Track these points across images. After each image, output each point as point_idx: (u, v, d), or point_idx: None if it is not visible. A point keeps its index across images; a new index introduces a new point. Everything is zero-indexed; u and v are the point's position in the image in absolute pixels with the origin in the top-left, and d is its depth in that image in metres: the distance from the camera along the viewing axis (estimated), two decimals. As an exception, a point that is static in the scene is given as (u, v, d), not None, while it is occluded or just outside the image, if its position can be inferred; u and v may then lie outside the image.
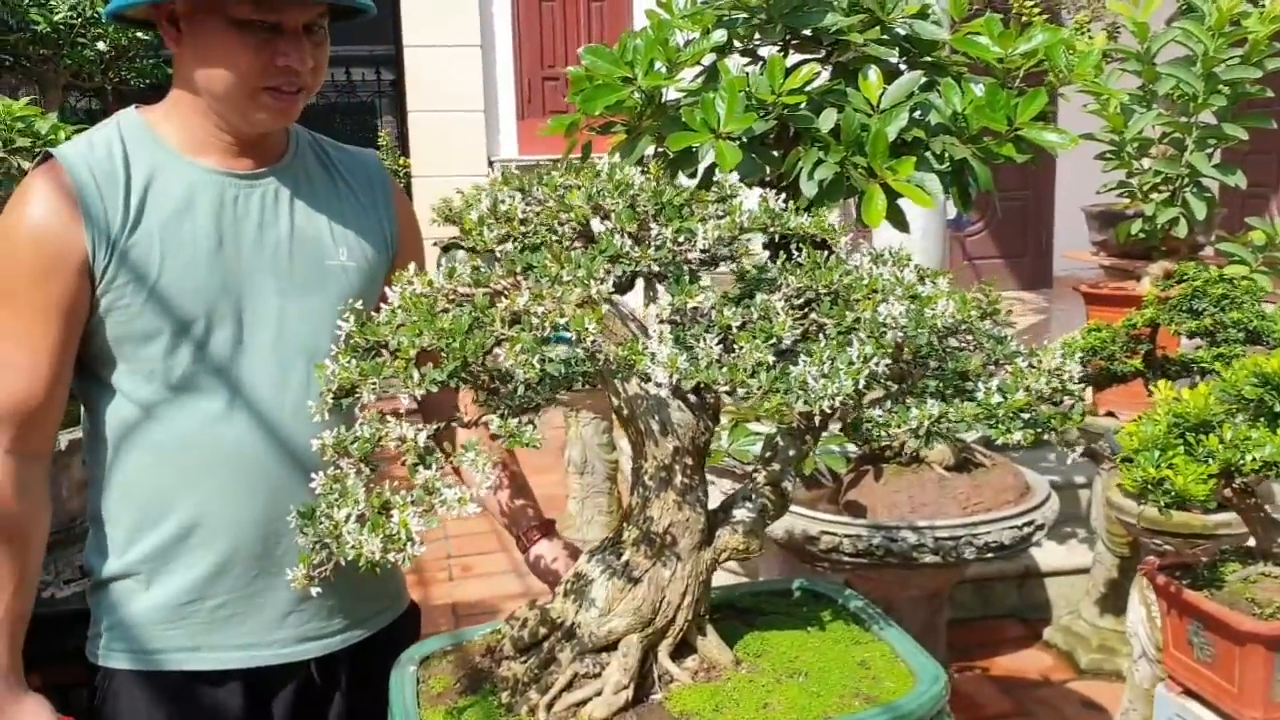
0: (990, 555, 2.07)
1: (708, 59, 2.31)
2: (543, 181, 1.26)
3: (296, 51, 1.38)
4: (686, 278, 1.20)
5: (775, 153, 2.25)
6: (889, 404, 1.23)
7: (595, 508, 4.37)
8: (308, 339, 1.46)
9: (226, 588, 1.48)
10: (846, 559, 2.11)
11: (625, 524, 1.32)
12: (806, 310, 1.26)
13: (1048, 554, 3.65)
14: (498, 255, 1.21)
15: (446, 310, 1.18)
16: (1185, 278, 2.27)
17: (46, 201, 1.36)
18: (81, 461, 1.58)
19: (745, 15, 2.31)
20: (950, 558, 2.05)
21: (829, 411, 1.16)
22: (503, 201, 1.24)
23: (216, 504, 1.46)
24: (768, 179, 2.28)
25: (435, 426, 1.15)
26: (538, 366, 1.08)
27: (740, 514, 1.32)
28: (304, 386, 1.46)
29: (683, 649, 1.31)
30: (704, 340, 1.14)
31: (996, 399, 1.23)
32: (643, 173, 1.26)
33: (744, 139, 2.10)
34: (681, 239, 1.21)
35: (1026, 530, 2.09)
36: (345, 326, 1.17)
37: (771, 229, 1.31)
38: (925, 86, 2.22)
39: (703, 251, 1.25)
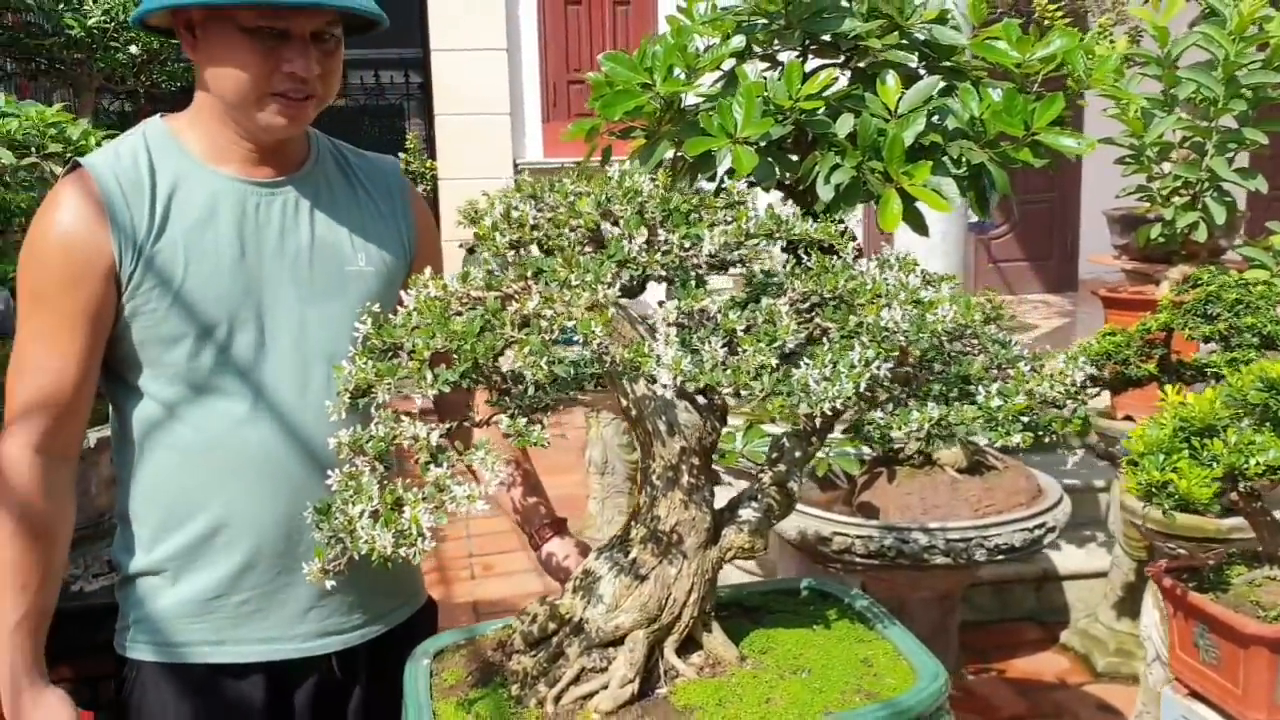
0: (1001, 557, 2.09)
1: (727, 64, 2.34)
2: (554, 188, 1.29)
3: (303, 58, 1.41)
4: (693, 282, 1.23)
5: (793, 157, 2.27)
6: (891, 406, 1.25)
7: (615, 508, 4.41)
8: (328, 343, 1.50)
9: (250, 584, 1.52)
10: (859, 560, 2.13)
11: (633, 522, 1.35)
12: (811, 314, 1.29)
13: (1066, 557, 3.65)
14: (509, 260, 1.25)
15: (459, 313, 1.21)
16: (1200, 282, 2.28)
17: (75, 209, 1.40)
18: (110, 459, 1.63)
19: (764, 21, 2.34)
20: (961, 559, 2.07)
21: (830, 413, 1.18)
22: (515, 208, 1.27)
23: (241, 504, 1.50)
24: (787, 182, 2.31)
25: (448, 426, 1.18)
26: (545, 368, 1.11)
27: (746, 513, 1.35)
28: (324, 389, 1.49)
29: (689, 645, 1.34)
30: (709, 343, 1.17)
31: (996, 402, 1.25)
32: (651, 180, 1.29)
33: (761, 144, 2.13)
34: (688, 244, 1.24)
35: (1038, 532, 2.10)
36: (363, 328, 1.21)
37: (777, 235, 1.34)
38: (944, 91, 2.24)
39: (711, 256, 1.29)
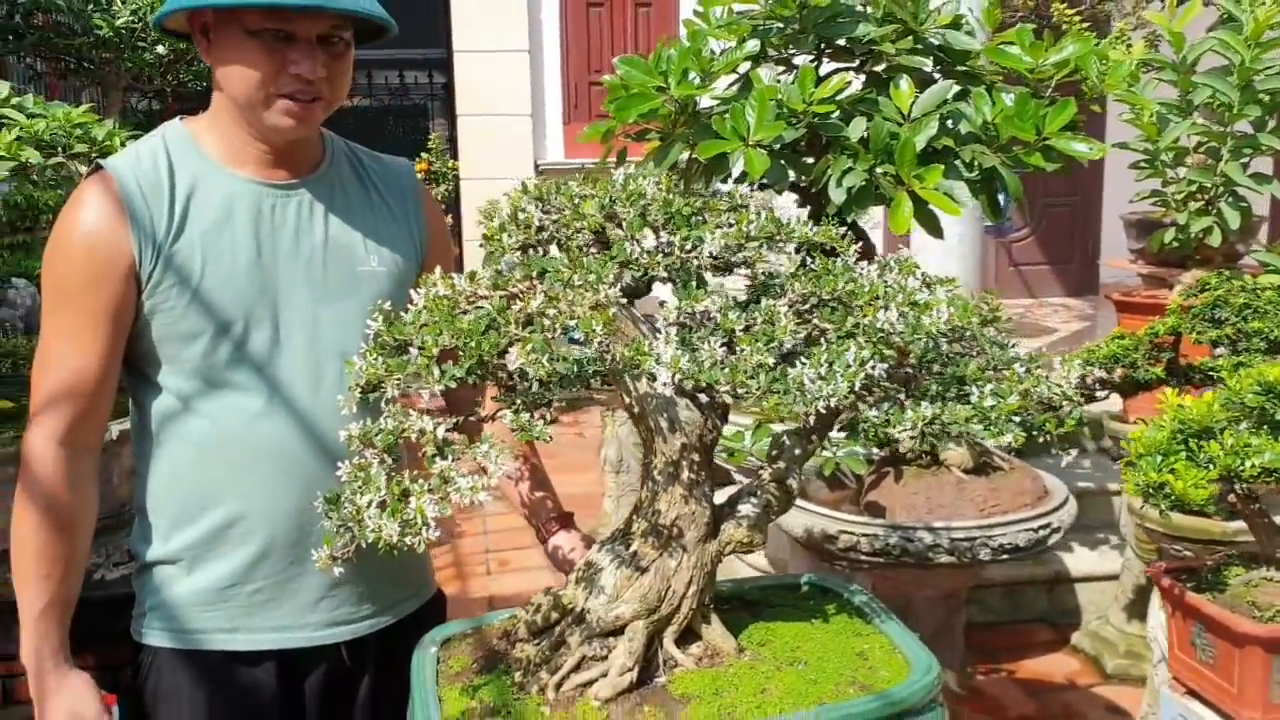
0: (1005, 557, 2.11)
1: (743, 67, 2.37)
2: (560, 191, 1.33)
3: (308, 60, 1.45)
4: (694, 283, 1.27)
5: (808, 160, 2.30)
6: (887, 406, 1.28)
7: (631, 506, 4.44)
8: (341, 341, 1.54)
9: (264, 574, 1.56)
10: (864, 558, 2.16)
11: (634, 516, 1.39)
12: (811, 316, 1.32)
13: (1079, 559, 3.67)
14: (515, 260, 1.28)
15: (466, 311, 1.25)
16: (1208, 287, 2.29)
17: (97, 210, 1.45)
18: (131, 451, 1.68)
19: (779, 25, 2.37)
20: (965, 558, 2.10)
21: (824, 412, 1.22)
22: (522, 210, 1.31)
23: (256, 497, 1.54)
24: (802, 184, 2.34)
25: (454, 421, 1.22)
26: (547, 365, 1.15)
27: (745, 509, 1.39)
28: (337, 385, 1.54)
29: (688, 636, 1.37)
30: (708, 343, 1.20)
31: (990, 402, 1.28)
32: (655, 183, 1.33)
33: (774, 146, 2.16)
34: (690, 246, 1.27)
35: (1042, 533, 2.12)
36: (374, 326, 1.25)
37: (778, 238, 1.37)
38: (959, 96, 2.27)
39: (713, 258, 1.32)
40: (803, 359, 1.21)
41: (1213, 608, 1.63)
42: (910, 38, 2.32)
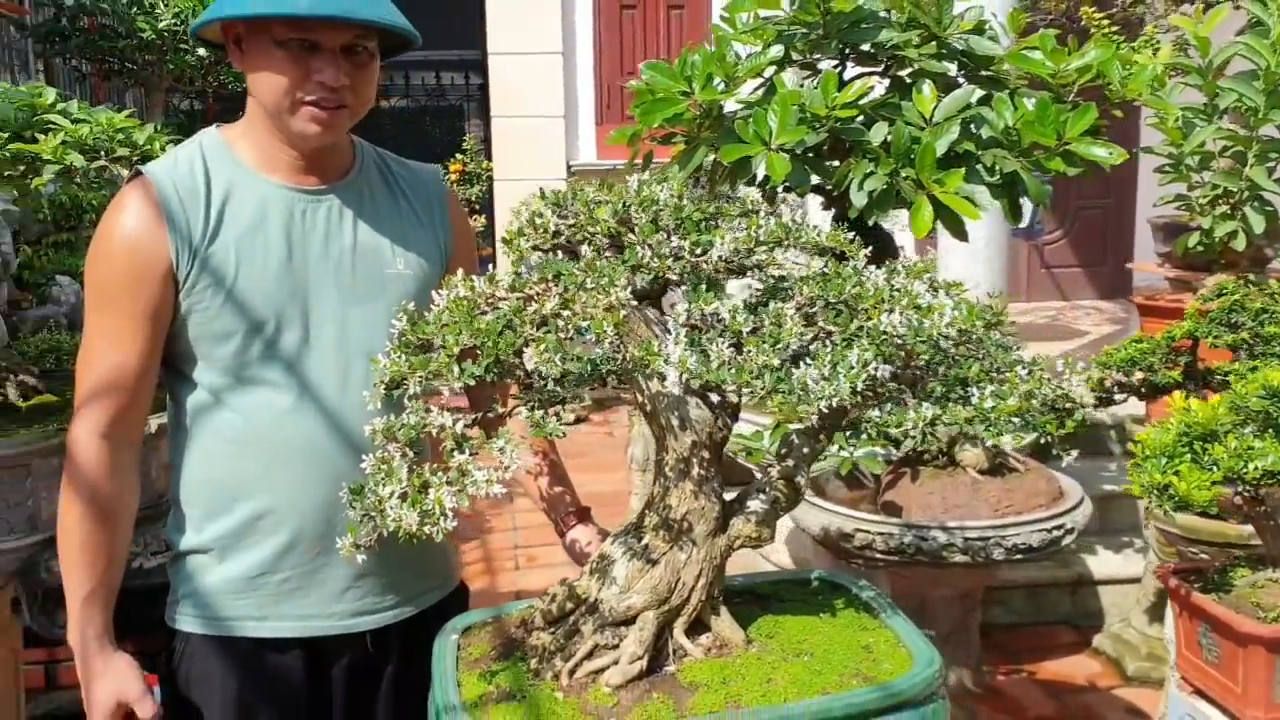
0: (1019, 557, 2.14)
1: (769, 71, 2.41)
2: (576, 196, 1.39)
3: (331, 68, 1.51)
4: (704, 285, 1.32)
5: (832, 163, 2.34)
6: (889, 406, 1.33)
7: (656, 504, 4.48)
8: (368, 341, 1.60)
9: (291, 564, 1.63)
10: (879, 556, 2.20)
11: (647, 511, 1.44)
12: (818, 318, 1.37)
13: (1102, 562, 3.68)
14: (532, 263, 1.34)
15: (485, 313, 1.31)
16: (1225, 291, 2.31)
17: (137, 215, 1.53)
18: (169, 446, 1.75)
19: (803, 30, 2.40)
20: (979, 558, 2.13)
21: (827, 411, 1.26)
22: (540, 215, 1.37)
23: (285, 491, 1.60)
24: (827, 188, 2.37)
25: (473, 417, 1.28)
26: (560, 364, 1.20)
27: (754, 504, 1.43)
28: (364, 383, 1.59)
29: (698, 627, 1.42)
30: (716, 344, 1.25)
31: (990, 403, 1.32)
32: (667, 189, 1.38)
33: (797, 151, 2.19)
34: (700, 250, 1.32)
35: (1056, 533, 2.15)
36: (398, 325, 1.31)
37: (786, 242, 1.42)
38: (982, 100, 2.30)
39: (726, 262, 1.37)
40: (808, 360, 1.26)
41: (1217, 608, 1.66)
42: (933, 43, 2.34)
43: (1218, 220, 3.20)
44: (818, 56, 2.45)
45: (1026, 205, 2.31)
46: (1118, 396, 2.51)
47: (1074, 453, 1.55)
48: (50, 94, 2.01)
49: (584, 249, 1.38)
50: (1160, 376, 2.39)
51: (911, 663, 1.39)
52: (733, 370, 1.23)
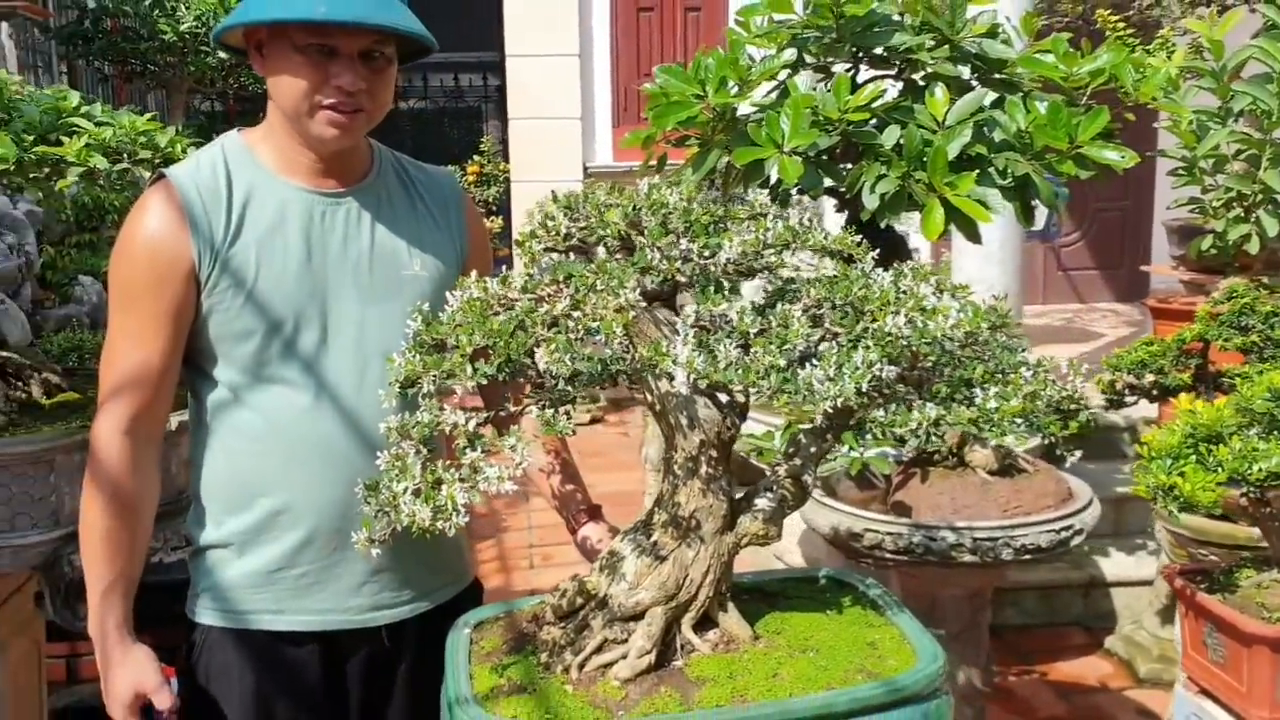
0: (1027, 557, 2.16)
1: (782, 75, 2.43)
2: (587, 199, 1.41)
3: (349, 73, 1.55)
4: (712, 288, 1.34)
5: (845, 166, 2.36)
6: (894, 406, 1.35)
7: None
8: (384, 340, 1.62)
9: (309, 560, 1.66)
10: (888, 555, 2.22)
11: (656, 508, 1.47)
12: (824, 319, 1.39)
13: (1115, 564, 3.69)
14: (543, 265, 1.37)
15: (498, 313, 1.34)
16: (1235, 294, 2.32)
17: (160, 217, 1.56)
18: (189, 441, 1.78)
19: (817, 34, 2.42)
20: (988, 558, 2.15)
21: (833, 411, 1.29)
22: (551, 218, 1.40)
23: (302, 487, 1.63)
24: (841, 190, 2.39)
25: (485, 415, 1.31)
26: (570, 365, 1.23)
27: (761, 503, 1.46)
28: (380, 382, 1.62)
29: (706, 623, 1.44)
30: (724, 344, 1.28)
31: (993, 404, 1.34)
32: (676, 192, 1.40)
33: (809, 153, 2.21)
34: (708, 253, 1.35)
35: (1065, 534, 2.17)
36: (413, 325, 1.34)
37: (794, 244, 1.44)
38: (996, 103, 2.31)
39: (735, 264, 1.39)
40: (814, 361, 1.28)
41: (1222, 608, 1.68)
42: (946, 46, 2.35)
43: (1231, 223, 3.20)
44: (831, 60, 2.47)
45: (1042, 208, 2.32)
46: (1128, 399, 2.52)
47: (1078, 453, 1.56)
48: (74, 97, 2.04)
49: (599, 250, 1.41)
50: (1170, 379, 2.40)
51: (916, 659, 1.41)
52: (739, 371, 1.25)
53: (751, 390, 1.27)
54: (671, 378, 1.33)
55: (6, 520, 1.95)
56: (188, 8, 6.29)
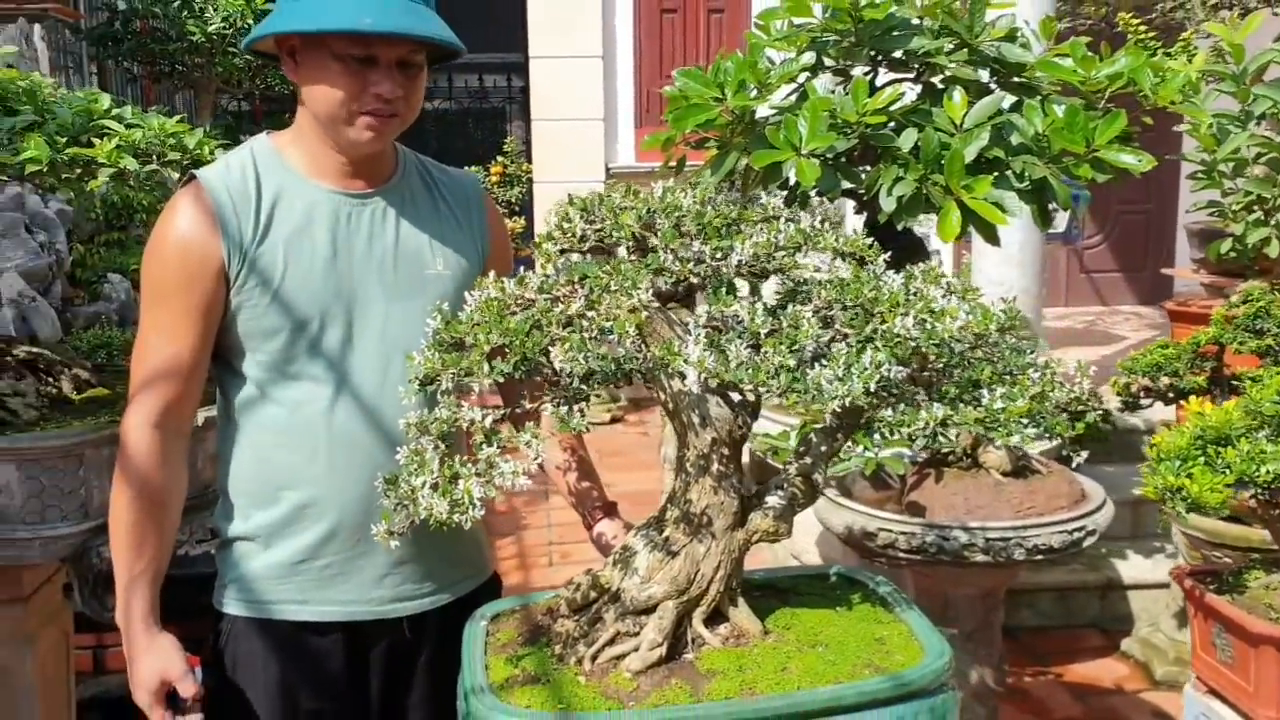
0: (1040, 557, 2.17)
1: (801, 78, 2.46)
2: (602, 202, 1.45)
3: (388, 81, 1.59)
4: (724, 288, 1.37)
5: (863, 168, 2.38)
6: (902, 406, 1.37)
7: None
8: (407, 338, 1.65)
9: (332, 551, 1.70)
10: (902, 555, 2.24)
11: (668, 504, 1.50)
12: (835, 321, 1.41)
13: (1133, 566, 3.69)
14: (560, 266, 1.40)
15: (515, 313, 1.37)
16: (1251, 298, 2.33)
17: (191, 217, 1.61)
18: (215, 437, 1.83)
19: (836, 38, 2.45)
20: (1000, 558, 2.17)
21: (841, 411, 1.31)
22: (567, 220, 1.43)
23: (326, 482, 1.67)
24: (860, 192, 2.41)
25: (502, 412, 1.35)
26: (584, 363, 1.26)
27: (772, 500, 1.48)
28: (402, 379, 1.65)
29: (716, 617, 1.47)
30: (735, 344, 1.31)
31: (999, 405, 1.36)
32: (690, 195, 1.43)
33: (827, 156, 2.24)
34: (720, 255, 1.38)
35: (1077, 535, 2.18)
36: (433, 324, 1.38)
37: (806, 246, 1.47)
38: (1014, 107, 2.33)
39: (749, 266, 1.42)
40: (824, 361, 1.31)
41: (1230, 608, 1.69)
42: (965, 50, 2.37)
43: (1251, 227, 3.20)
44: (850, 63, 2.49)
45: (1061, 211, 2.33)
46: (1144, 401, 2.53)
47: (1084, 454, 1.58)
48: (106, 100, 2.09)
49: (620, 250, 1.44)
50: (1185, 382, 2.41)
51: (923, 655, 1.43)
52: (750, 370, 1.28)
53: (761, 389, 1.29)
54: (683, 376, 1.36)
55: (37, 512, 2.01)
56: (215, 9, 6.37)
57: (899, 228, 2.33)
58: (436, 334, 1.39)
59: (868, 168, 2.34)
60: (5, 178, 2.01)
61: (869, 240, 1.53)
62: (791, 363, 1.29)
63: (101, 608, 2.20)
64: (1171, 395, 2.55)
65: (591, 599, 1.49)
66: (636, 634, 1.42)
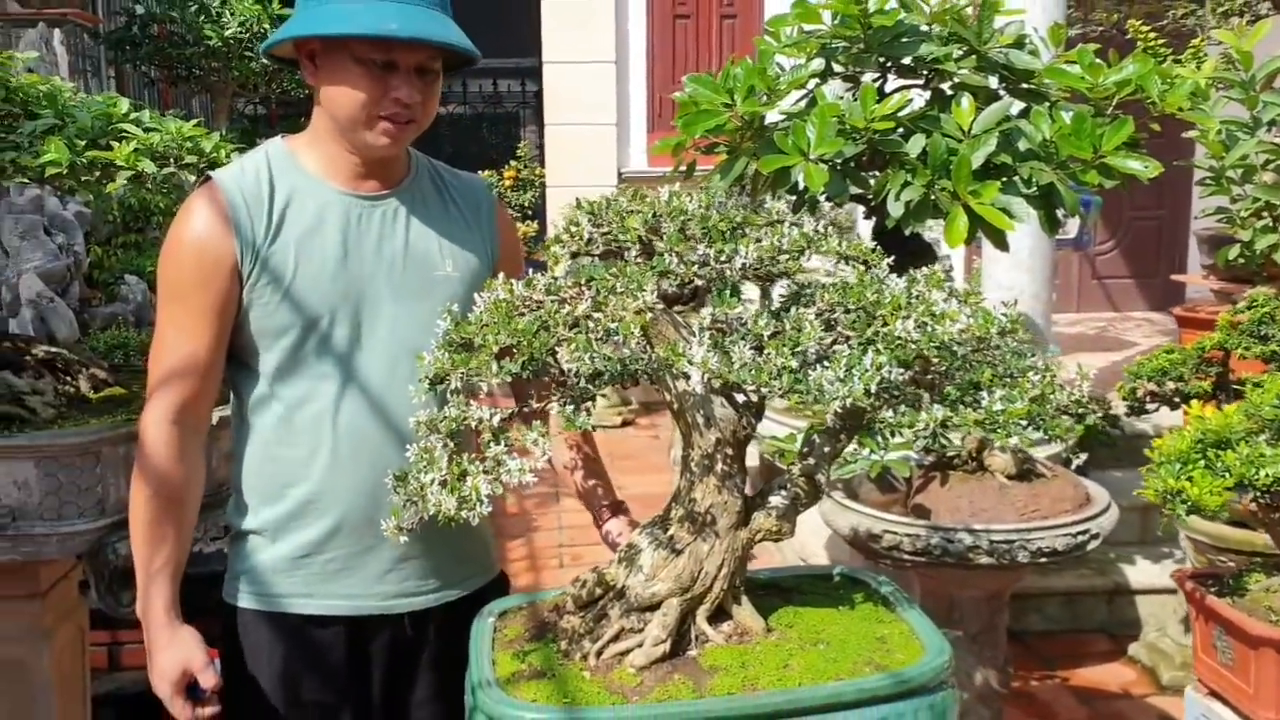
0: (1044, 560, 2.19)
1: (811, 84, 2.48)
2: (609, 206, 1.47)
3: (407, 86, 1.63)
4: (728, 291, 1.40)
5: (872, 174, 2.40)
6: (903, 407, 1.40)
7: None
8: (414, 339, 1.69)
9: (337, 546, 1.73)
10: (907, 557, 2.26)
11: (673, 503, 1.52)
12: (838, 323, 1.44)
13: (1140, 571, 3.70)
14: (568, 268, 1.43)
15: (523, 314, 1.40)
16: (1256, 303, 2.35)
17: (205, 218, 1.65)
18: (230, 435, 1.86)
19: (845, 44, 2.47)
20: (1004, 560, 2.18)
21: (843, 412, 1.34)
22: (575, 223, 1.46)
23: (332, 479, 1.71)
24: (869, 197, 2.43)
25: (510, 411, 1.38)
26: (590, 363, 1.29)
27: (775, 500, 1.51)
28: (409, 379, 1.69)
29: (720, 615, 1.50)
30: (738, 346, 1.33)
31: (999, 407, 1.38)
32: (694, 200, 1.46)
33: (835, 162, 2.26)
34: (724, 258, 1.40)
35: (1081, 538, 2.20)
36: (443, 325, 1.41)
37: (809, 250, 1.49)
38: (1023, 113, 2.35)
39: (754, 269, 1.45)
40: (826, 363, 1.33)
41: (1230, 610, 1.71)
42: (973, 57, 2.39)
43: (1259, 233, 3.21)
44: (859, 69, 2.51)
45: (1070, 217, 2.34)
46: (1149, 406, 2.54)
47: (1084, 455, 1.60)
48: (124, 104, 2.13)
49: (630, 253, 1.47)
50: (1191, 387, 2.43)
51: (923, 653, 1.45)
52: (752, 371, 1.30)
53: (764, 390, 1.32)
54: (688, 377, 1.39)
55: (54, 509, 2.04)
56: (232, 14, 6.42)
57: (907, 233, 2.34)
58: (446, 334, 1.42)
59: (876, 173, 2.36)
60: (25, 180, 2.05)
61: (872, 244, 1.55)
62: (794, 364, 1.32)
63: (117, 604, 2.23)
64: (1177, 400, 2.57)
65: (597, 596, 1.51)
66: (641, 630, 1.44)
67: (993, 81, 2.42)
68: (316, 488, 1.70)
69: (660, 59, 8.04)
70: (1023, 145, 2.27)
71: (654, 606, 1.45)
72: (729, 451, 1.48)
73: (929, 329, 1.37)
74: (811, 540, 3.82)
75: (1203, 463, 1.66)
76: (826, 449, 1.54)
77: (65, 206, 3.52)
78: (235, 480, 1.78)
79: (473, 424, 1.36)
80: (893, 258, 1.57)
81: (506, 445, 1.31)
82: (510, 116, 12.00)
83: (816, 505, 1.59)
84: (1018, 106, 2.38)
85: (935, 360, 1.42)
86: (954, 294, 1.52)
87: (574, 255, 1.46)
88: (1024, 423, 1.39)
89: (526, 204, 9.28)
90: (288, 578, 1.73)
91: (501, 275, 1.47)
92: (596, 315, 1.33)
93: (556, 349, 1.34)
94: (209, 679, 1.66)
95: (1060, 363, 1.50)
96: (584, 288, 1.38)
